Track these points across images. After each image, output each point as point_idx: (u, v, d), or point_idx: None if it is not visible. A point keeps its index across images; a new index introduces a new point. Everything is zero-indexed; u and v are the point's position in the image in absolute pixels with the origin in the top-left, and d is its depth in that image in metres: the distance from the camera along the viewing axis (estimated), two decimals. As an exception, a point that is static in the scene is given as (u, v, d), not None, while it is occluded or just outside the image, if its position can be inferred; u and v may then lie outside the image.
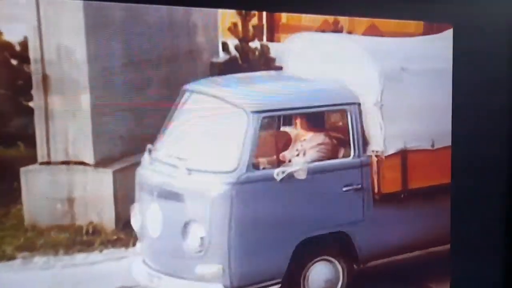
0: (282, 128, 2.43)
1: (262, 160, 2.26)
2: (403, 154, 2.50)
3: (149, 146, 2.21)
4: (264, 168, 2.25)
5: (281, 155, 2.33)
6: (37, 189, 2.08)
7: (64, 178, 2.12)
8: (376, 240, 2.47)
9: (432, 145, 2.58)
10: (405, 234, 2.53)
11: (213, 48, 2.32)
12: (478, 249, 2.74)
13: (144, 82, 2.21)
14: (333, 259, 2.40)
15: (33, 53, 2.03)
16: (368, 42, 2.46)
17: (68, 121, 2.09)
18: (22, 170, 2.07)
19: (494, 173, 2.72)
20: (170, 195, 2.18)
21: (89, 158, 2.18)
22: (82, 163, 2.16)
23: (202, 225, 2.17)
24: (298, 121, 2.40)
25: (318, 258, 2.36)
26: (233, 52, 2.34)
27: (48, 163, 2.11)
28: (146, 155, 2.22)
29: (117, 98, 2.16)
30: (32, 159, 2.09)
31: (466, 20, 2.48)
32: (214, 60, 2.33)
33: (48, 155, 2.11)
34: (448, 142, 2.64)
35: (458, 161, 2.60)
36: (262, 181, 2.24)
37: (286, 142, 2.39)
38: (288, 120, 2.42)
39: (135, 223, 2.25)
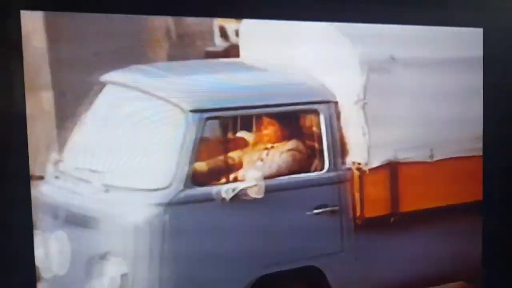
0: (239, 133, 1.91)
1: (206, 174, 1.76)
2: (393, 167, 1.99)
3: (53, 155, 1.70)
4: (208, 184, 1.75)
5: (232, 167, 1.82)
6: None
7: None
8: (358, 277, 1.96)
9: (431, 157, 2.07)
10: (399, 268, 2.04)
11: (208, 33, 1.80)
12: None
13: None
14: (302, 301, 1.89)
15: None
16: (348, 23, 1.94)
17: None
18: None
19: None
20: (80, 220, 1.68)
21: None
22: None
23: (124, 259, 1.67)
24: (257, 123, 1.88)
25: (283, 301, 1.86)
26: (233, 38, 1.84)
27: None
28: (50, 167, 1.70)
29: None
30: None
31: (496, 24, 2.23)
32: (210, 48, 1.81)
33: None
34: (451, 153, 2.12)
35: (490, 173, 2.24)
36: (205, 201, 1.74)
37: (240, 150, 1.87)
38: (246, 122, 1.90)
39: (37, 256, 1.74)
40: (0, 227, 1.61)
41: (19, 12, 1.60)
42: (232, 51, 1.81)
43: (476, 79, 2.19)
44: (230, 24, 1.79)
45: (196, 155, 1.72)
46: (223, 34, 1.78)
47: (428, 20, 2.11)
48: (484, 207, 2.26)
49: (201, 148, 1.73)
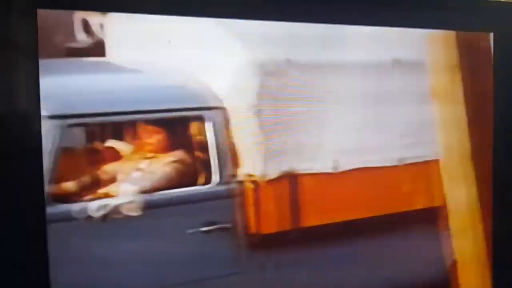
0: (112, 143, 1.70)
1: (70, 189, 1.54)
2: (292, 179, 1.82)
3: None
4: (73, 201, 1.53)
5: (104, 180, 1.61)
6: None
7: None
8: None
9: (335, 167, 1.91)
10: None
11: (68, 27, 1.53)
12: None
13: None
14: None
15: None
16: (238, 23, 1.77)
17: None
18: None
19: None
20: None
21: None
22: None
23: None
24: (135, 131, 1.67)
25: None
26: (99, 33, 1.59)
27: None
28: None
29: None
30: None
31: (506, 28, 2.19)
32: (71, 44, 1.54)
33: None
34: (359, 163, 1.96)
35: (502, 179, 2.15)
36: (69, 221, 1.52)
37: (114, 161, 1.66)
38: (120, 130, 1.69)
39: None
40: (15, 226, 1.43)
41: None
42: (97, 48, 1.59)
43: (389, 82, 2.05)
44: (94, 18, 1.57)
45: (56, 168, 1.51)
46: (87, 28, 1.56)
47: (433, 24, 2.02)
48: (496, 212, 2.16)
49: (63, 159, 1.52)
